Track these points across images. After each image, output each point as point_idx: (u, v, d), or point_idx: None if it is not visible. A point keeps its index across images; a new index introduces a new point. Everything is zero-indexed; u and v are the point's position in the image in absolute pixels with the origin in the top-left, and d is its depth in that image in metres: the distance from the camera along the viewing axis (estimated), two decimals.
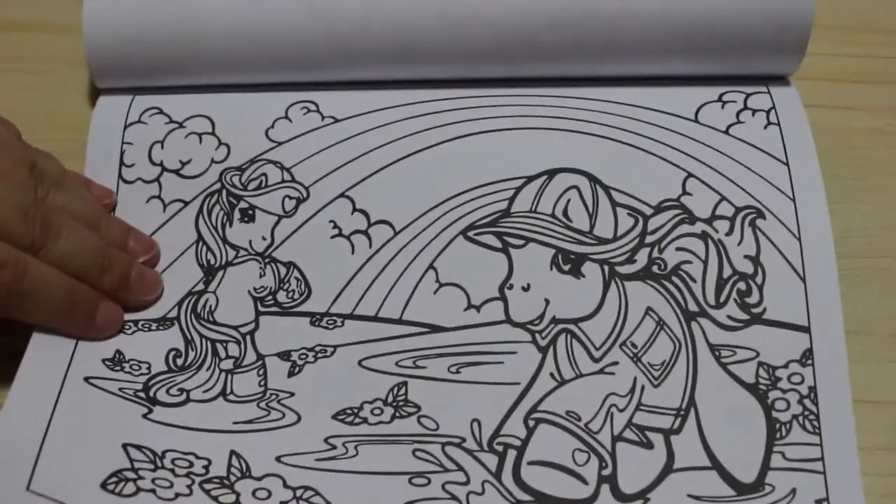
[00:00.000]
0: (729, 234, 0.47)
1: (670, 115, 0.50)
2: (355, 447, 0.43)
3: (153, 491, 0.41)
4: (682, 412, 0.43)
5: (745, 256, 0.46)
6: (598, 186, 0.48)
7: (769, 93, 0.51)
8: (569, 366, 0.44)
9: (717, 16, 0.49)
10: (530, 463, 0.42)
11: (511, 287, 0.46)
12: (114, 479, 0.41)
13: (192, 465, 0.42)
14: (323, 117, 0.51)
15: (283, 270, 0.47)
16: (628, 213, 0.48)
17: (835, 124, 0.52)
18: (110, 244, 0.46)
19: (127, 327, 0.46)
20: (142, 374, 0.44)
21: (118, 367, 0.44)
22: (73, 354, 0.44)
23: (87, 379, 0.44)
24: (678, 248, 0.47)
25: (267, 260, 0.47)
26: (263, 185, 0.49)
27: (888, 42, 0.56)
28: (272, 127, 0.51)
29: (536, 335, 0.45)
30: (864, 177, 0.51)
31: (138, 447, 0.42)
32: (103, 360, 0.44)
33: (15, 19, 0.57)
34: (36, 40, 0.56)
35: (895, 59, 0.55)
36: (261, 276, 0.47)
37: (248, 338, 0.46)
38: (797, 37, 0.49)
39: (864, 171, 0.51)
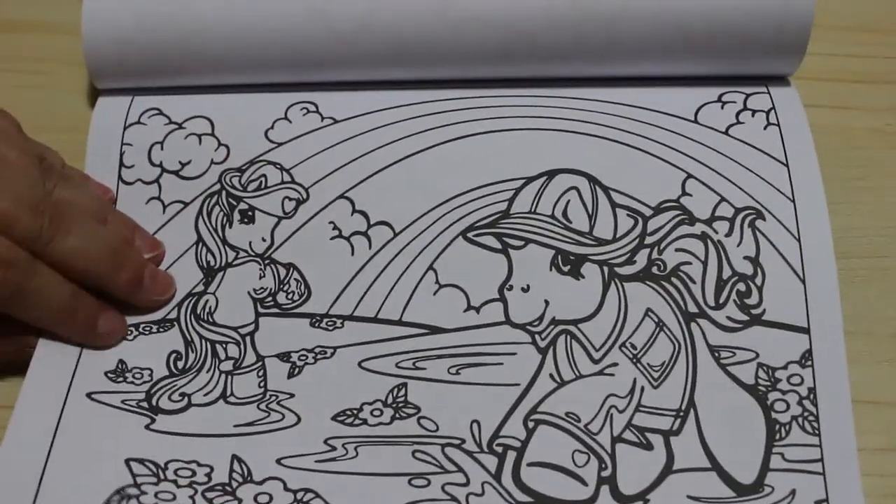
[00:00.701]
0: (728, 234, 0.47)
1: (670, 116, 0.50)
2: (355, 448, 0.43)
3: None
4: (681, 413, 0.43)
5: (745, 257, 0.46)
6: (597, 187, 0.48)
7: (769, 93, 0.51)
8: (568, 367, 0.44)
9: (717, 16, 0.49)
10: (530, 464, 0.42)
11: (511, 288, 0.46)
12: (116, 496, 0.41)
13: (194, 473, 0.42)
14: (322, 118, 0.51)
15: (282, 272, 0.47)
16: (628, 214, 0.48)
17: (835, 124, 0.52)
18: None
19: (128, 332, 0.46)
20: (144, 383, 0.44)
21: (121, 378, 0.44)
22: (75, 370, 0.44)
23: (89, 395, 0.44)
24: (678, 249, 0.47)
25: (267, 261, 0.47)
26: (263, 186, 0.49)
27: (888, 42, 0.56)
28: (272, 128, 0.50)
29: (536, 336, 0.45)
30: (864, 177, 0.51)
31: (141, 461, 0.42)
32: (106, 373, 0.44)
33: (15, 19, 0.57)
34: (36, 40, 0.56)
35: (895, 59, 0.55)
36: (260, 278, 0.47)
37: (247, 339, 0.46)
38: (797, 37, 0.49)
39: (864, 171, 0.51)
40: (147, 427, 0.43)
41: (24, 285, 0.42)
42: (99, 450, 0.42)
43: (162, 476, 0.42)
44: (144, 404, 0.44)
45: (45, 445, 0.42)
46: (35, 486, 0.41)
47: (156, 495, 0.41)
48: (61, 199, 0.44)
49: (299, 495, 0.41)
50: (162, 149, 0.50)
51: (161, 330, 0.46)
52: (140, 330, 0.46)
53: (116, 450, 0.42)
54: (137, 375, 0.44)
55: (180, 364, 0.45)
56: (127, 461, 0.42)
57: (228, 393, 0.44)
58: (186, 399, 0.44)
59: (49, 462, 0.42)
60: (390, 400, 0.44)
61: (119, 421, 0.43)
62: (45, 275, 0.42)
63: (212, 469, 0.42)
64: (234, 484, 0.42)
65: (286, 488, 0.41)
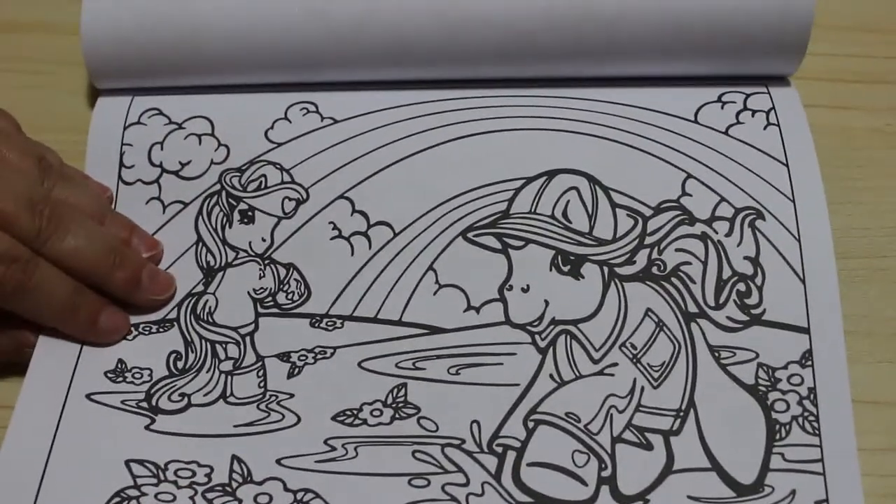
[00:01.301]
0: (728, 235, 0.47)
1: (670, 116, 0.50)
2: (355, 448, 0.43)
3: None
4: (681, 413, 0.43)
5: (745, 257, 0.46)
6: (597, 187, 0.48)
7: (769, 93, 0.51)
8: (568, 367, 0.44)
9: (717, 16, 0.49)
10: (530, 464, 0.42)
11: (511, 288, 0.46)
12: (116, 499, 0.41)
13: (194, 474, 0.42)
14: (322, 118, 0.51)
15: (282, 272, 0.47)
16: (628, 214, 0.48)
17: (834, 124, 0.52)
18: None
19: (129, 332, 0.46)
20: (144, 383, 0.44)
21: (120, 378, 0.44)
22: (74, 370, 0.44)
23: (88, 396, 0.44)
24: (678, 249, 0.47)
25: (266, 261, 0.47)
26: (263, 186, 0.49)
27: (888, 42, 0.56)
28: (272, 128, 0.51)
29: (536, 336, 0.45)
30: (864, 177, 0.51)
31: (141, 462, 0.42)
32: (105, 373, 0.44)
33: (15, 19, 0.57)
34: (36, 40, 0.56)
35: (895, 59, 0.55)
36: (260, 278, 0.47)
37: (247, 339, 0.46)
38: (797, 37, 0.49)
39: (864, 171, 0.51)
40: (147, 427, 0.43)
41: (25, 281, 0.42)
42: (99, 451, 0.42)
43: (162, 477, 0.42)
44: (144, 404, 0.44)
45: (45, 447, 0.42)
46: (35, 487, 0.41)
47: (156, 496, 0.41)
48: (60, 199, 0.44)
49: (299, 495, 0.41)
50: (162, 149, 0.50)
51: (161, 330, 0.46)
52: (140, 330, 0.46)
53: (116, 451, 0.42)
54: (137, 375, 0.45)
55: (180, 364, 0.45)
56: (127, 462, 0.42)
57: (228, 393, 0.44)
58: (186, 399, 0.44)
59: (49, 464, 0.42)
60: (390, 400, 0.44)
61: (119, 422, 0.43)
62: (47, 271, 0.43)
63: (212, 469, 0.42)
64: (234, 484, 0.42)
65: (286, 488, 0.41)
